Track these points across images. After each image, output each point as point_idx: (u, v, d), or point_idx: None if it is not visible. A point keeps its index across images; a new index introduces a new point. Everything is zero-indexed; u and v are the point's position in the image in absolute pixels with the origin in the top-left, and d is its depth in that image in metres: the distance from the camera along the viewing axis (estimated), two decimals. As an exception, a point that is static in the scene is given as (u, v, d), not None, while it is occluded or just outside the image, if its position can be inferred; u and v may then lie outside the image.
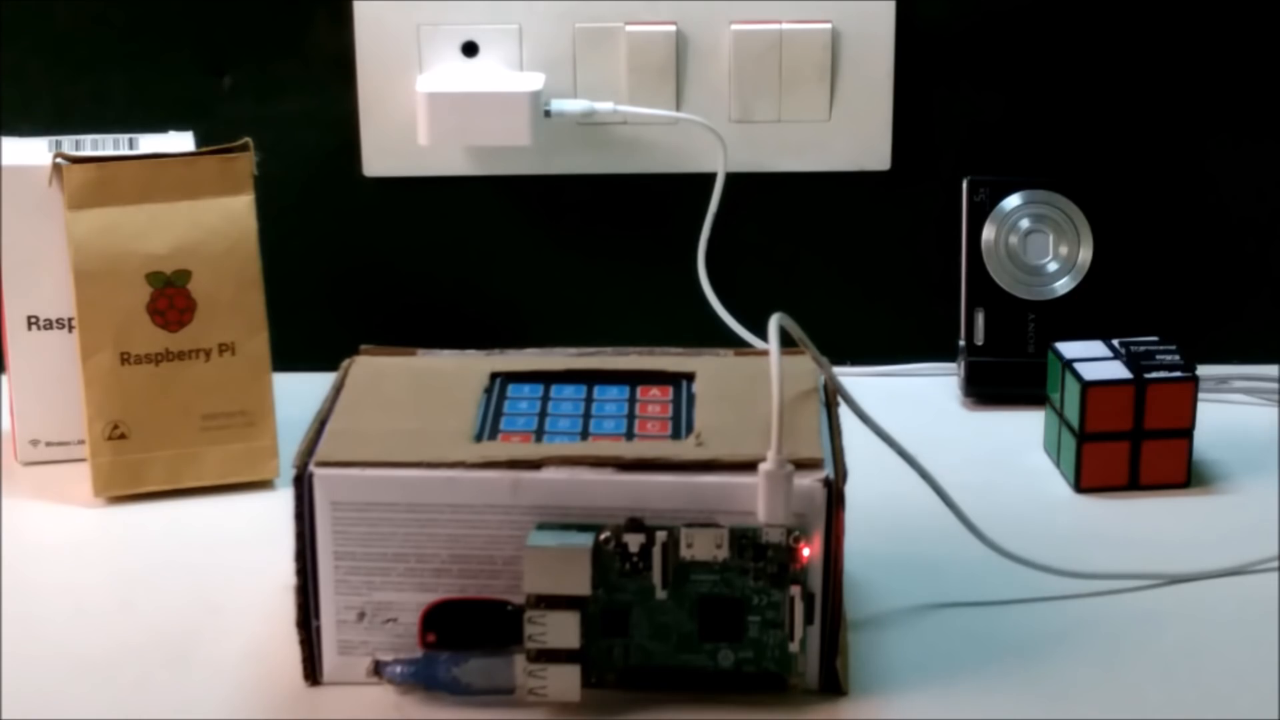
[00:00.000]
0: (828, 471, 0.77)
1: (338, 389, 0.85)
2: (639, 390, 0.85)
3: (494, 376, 0.86)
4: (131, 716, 0.80)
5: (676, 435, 0.80)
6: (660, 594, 0.78)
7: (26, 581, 0.91)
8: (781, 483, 0.76)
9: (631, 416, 0.82)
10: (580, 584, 0.76)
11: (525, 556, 0.76)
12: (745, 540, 0.77)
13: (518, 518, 0.78)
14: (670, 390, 0.85)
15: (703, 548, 0.77)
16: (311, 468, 0.78)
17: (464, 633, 0.79)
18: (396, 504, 0.78)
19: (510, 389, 0.85)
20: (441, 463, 0.78)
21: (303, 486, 0.78)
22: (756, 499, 0.76)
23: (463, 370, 0.86)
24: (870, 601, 0.87)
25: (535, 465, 0.77)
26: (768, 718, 0.79)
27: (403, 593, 0.79)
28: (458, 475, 0.77)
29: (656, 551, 0.77)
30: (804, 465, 0.77)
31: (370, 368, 0.86)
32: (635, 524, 0.77)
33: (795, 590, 0.78)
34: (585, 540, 0.76)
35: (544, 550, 0.76)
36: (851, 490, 0.78)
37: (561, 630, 0.76)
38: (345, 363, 0.87)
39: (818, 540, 0.78)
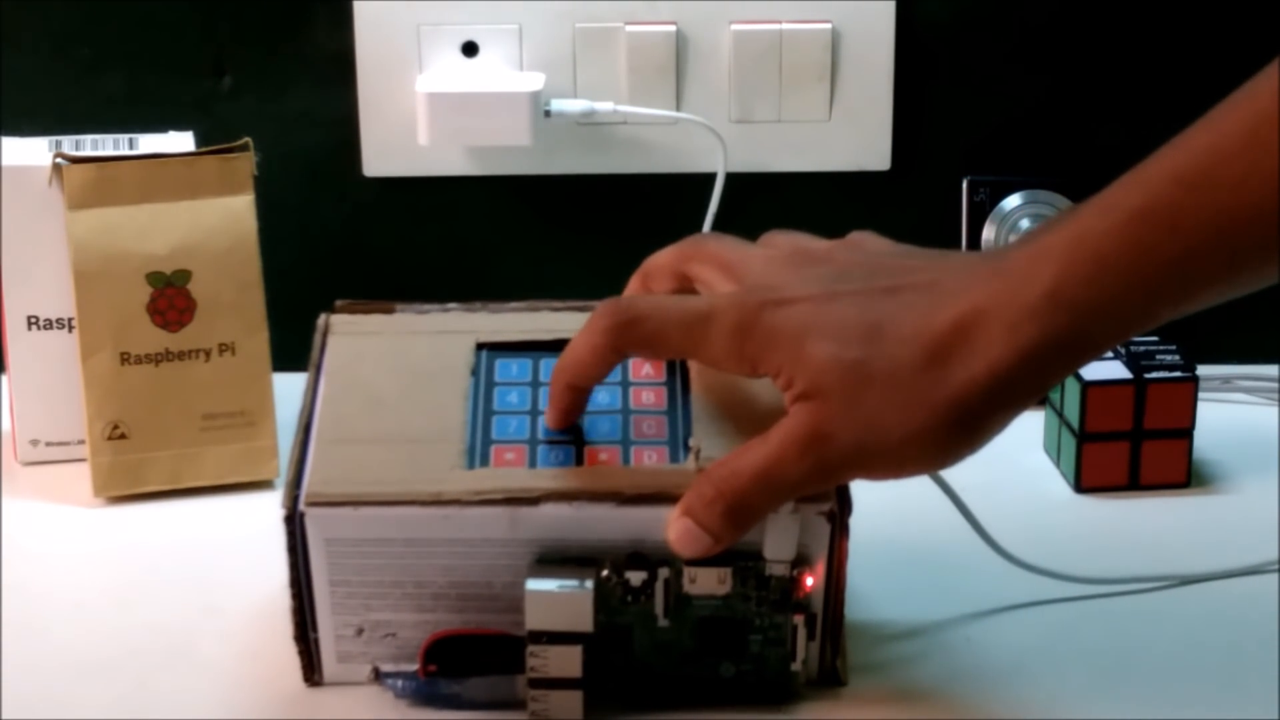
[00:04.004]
0: (832, 504, 0.76)
1: (316, 371, 0.82)
2: (631, 367, 0.83)
3: (479, 349, 0.84)
4: (131, 716, 0.80)
5: (674, 438, 0.80)
6: (663, 622, 0.78)
7: (26, 581, 0.91)
8: (786, 524, 0.76)
9: (626, 412, 0.81)
10: (582, 622, 0.76)
11: (526, 598, 0.75)
12: (748, 571, 0.77)
13: (515, 549, 0.77)
14: (664, 366, 0.83)
15: (705, 583, 0.77)
16: (302, 507, 0.76)
17: (465, 663, 0.78)
18: (392, 539, 0.77)
19: (499, 369, 0.83)
20: (436, 500, 0.76)
21: (294, 524, 0.77)
22: (761, 533, 0.76)
23: (446, 347, 0.83)
24: (870, 601, 0.87)
25: (533, 501, 0.76)
26: (767, 716, 0.79)
27: (400, 613, 0.79)
28: (453, 513, 0.76)
29: (659, 586, 0.77)
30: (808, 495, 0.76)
31: (349, 348, 0.84)
32: (637, 558, 0.77)
33: (799, 619, 0.78)
34: (586, 584, 0.76)
35: (545, 594, 0.75)
36: (852, 490, 0.77)
37: (564, 662, 0.76)
38: (320, 324, 0.85)
39: (820, 568, 0.77)
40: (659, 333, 0.76)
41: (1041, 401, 1.04)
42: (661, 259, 0.82)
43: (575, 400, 0.79)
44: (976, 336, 0.71)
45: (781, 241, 0.80)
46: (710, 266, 0.79)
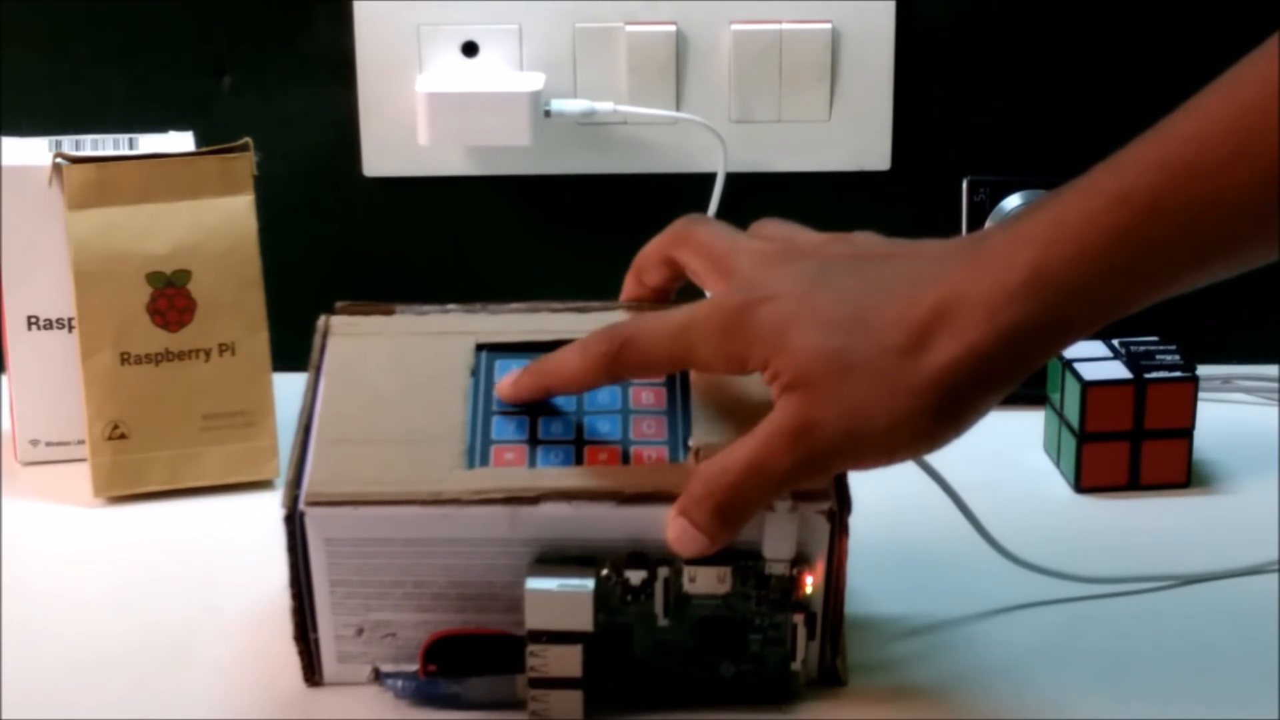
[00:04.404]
0: (831, 503, 0.76)
1: (316, 372, 0.82)
2: None
3: (479, 350, 0.84)
4: (131, 717, 0.80)
5: (674, 438, 0.80)
6: (663, 621, 0.78)
7: (26, 582, 0.91)
8: (786, 522, 0.76)
9: (626, 412, 0.81)
10: (582, 621, 0.76)
11: (526, 597, 0.75)
12: (748, 570, 0.77)
13: (515, 549, 0.77)
14: None
15: (705, 583, 0.77)
16: (302, 507, 0.76)
17: (465, 663, 0.78)
18: (392, 539, 0.77)
19: (498, 369, 0.82)
20: (436, 499, 0.76)
21: (294, 524, 0.77)
22: (760, 532, 0.76)
23: (446, 348, 0.83)
24: (871, 600, 0.87)
25: (533, 500, 0.76)
26: (767, 716, 0.79)
27: (401, 613, 0.79)
28: (453, 512, 0.76)
29: (659, 586, 0.77)
30: (807, 494, 0.76)
31: (349, 349, 0.84)
32: (637, 558, 0.77)
33: (799, 618, 0.77)
34: (587, 583, 0.76)
35: (545, 593, 0.75)
36: (852, 489, 0.77)
37: (564, 662, 0.76)
38: (320, 325, 0.84)
39: (820, 567, 0.77)
40: (650, 350, 0.77)
41: (1041, 401, 1.04)
42: (651, 248, 0.83)
43: (540, 398, 0.81)
44: (957, 319, 0.71)
45: (772, 231, 0.80)
46: (699, 256, 0.80)
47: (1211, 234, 0.69)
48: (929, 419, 0.72)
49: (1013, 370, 0.72)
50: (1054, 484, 1.01)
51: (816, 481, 0.75)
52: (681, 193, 1.14)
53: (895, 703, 0.80)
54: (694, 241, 0.81)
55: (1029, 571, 0.88)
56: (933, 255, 0.75)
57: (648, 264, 0.83)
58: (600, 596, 0.76)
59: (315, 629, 0.79)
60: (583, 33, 1.12)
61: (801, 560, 0.77)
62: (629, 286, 0.85)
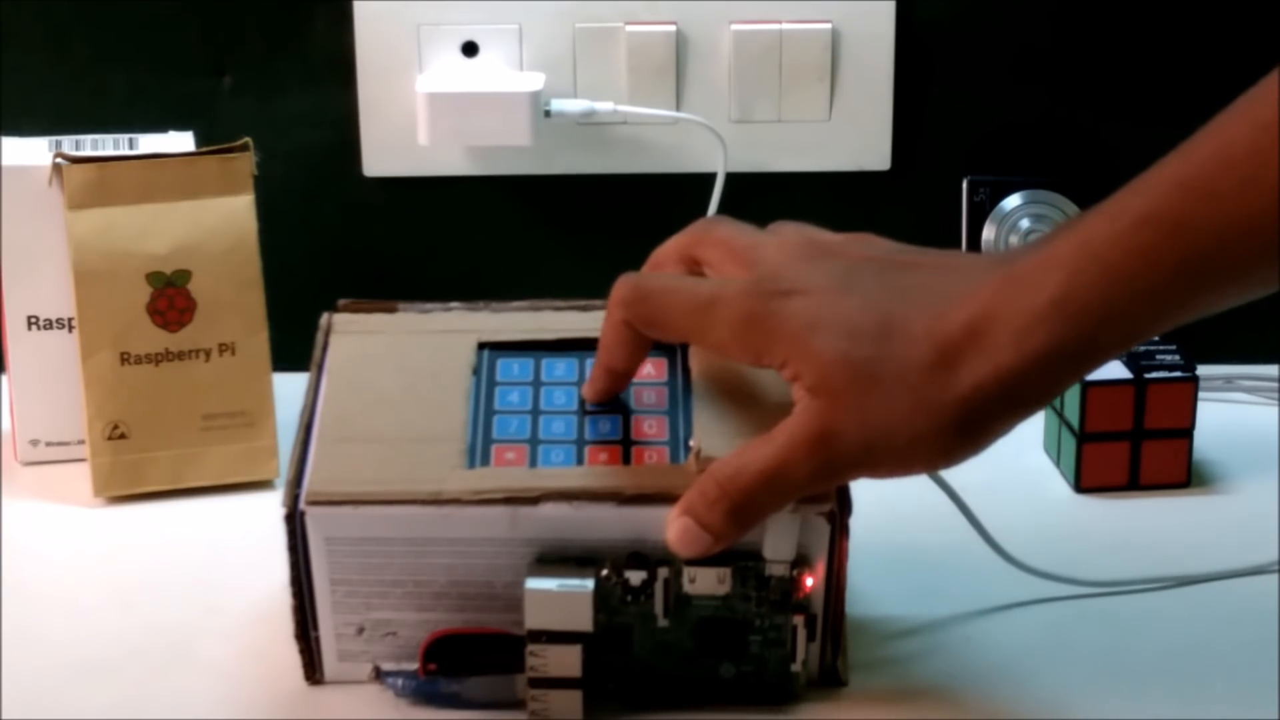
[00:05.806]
0: (831, 505, 0.76)
1: (319, 370, 0.82)
2: None
3: (481, 349, 0.84)
4: (132, 717, 0.80)
5: (675, 438, 0.80)
6: (662, 622, 0.78)
7: (26, 581, 0.91)
8: (786, 524, 0.76)
9: (627, 412, 0.81)
10: (582, 621, 0.76)
11: (526, 597, 0.75)
12: (748, 571, 0.77)
13: (516, 549, 0.77)
14: (665, 365, 0.83)
15: (705, 584, 0.77)
16: (303, 506, 0.76)
17: (465, 662, 0.78)
18: (393, 538, 0.77)
19: (500, 368, 0.83)
20: (436, 499, 0.76)
21: (294, 523, 0.77)
22: (761, 534, 0.76)
23: (448, 346, 0.83)
24: (871, 601, 0.87)
25: (533, 501, 0.76)
26: (767, 717, 0.79)
27: (401, 612, 0.79)
28: (453, 512, 0.76)
29: (659, 586, 0.77)
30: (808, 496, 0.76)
31: (351, 347, 0.84)
32: (637, 558, 0.77)
33: (798, 619, 0.77)
34: (586, 584, 0.76)
35: (545, 593, 0.75)
36: (852, 489, 0.77)
37: (563, 661, 0.76)
38: (323, 323, 0.84)
39: (820, 568, 0.77)
40: (663, 313, 0.77)
41: (1042, 401, 1.04)
42: (669, 246, 0.82)
43: (611, 383, 0.80)
44: (985, 341, 0.71)
45: (790, 231, 0.80)
46: (719, 251, 0.79)
47: (1236, 255, 0.69)
48: (950, 437, 0.72)
49: (1039, 394, 0.72)
50: (1054, 484, 1.01)
51: (830, 488, 0.75)
52: (681, 193, 1.14)
53: (895, 703, 0.80)
54: (713, 238, 0.80)
55: (1029, 573, 0.88)
56: (962, 270, 0.74)
57: (665, 261, 0.82)
58: (600, 597, 0.76)
59: (316, 627, 0.79)
60: (583, 33, 1.12)
61: (801, 561, 0.77)
62: None
